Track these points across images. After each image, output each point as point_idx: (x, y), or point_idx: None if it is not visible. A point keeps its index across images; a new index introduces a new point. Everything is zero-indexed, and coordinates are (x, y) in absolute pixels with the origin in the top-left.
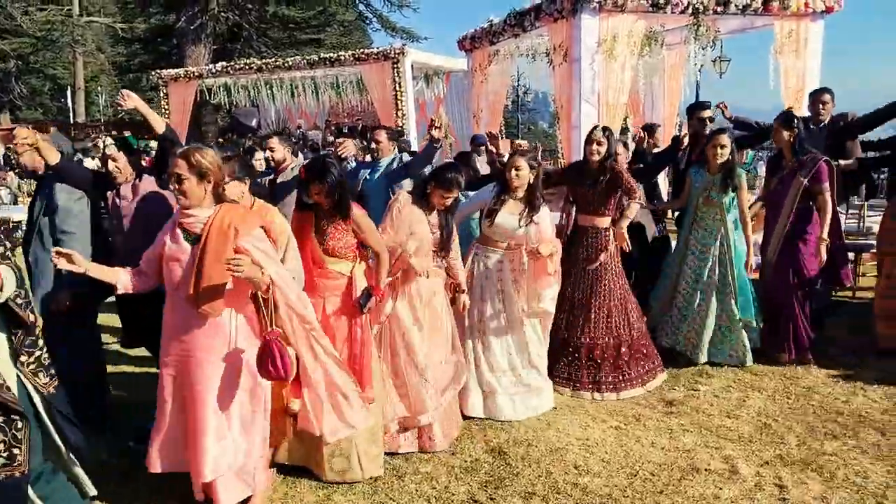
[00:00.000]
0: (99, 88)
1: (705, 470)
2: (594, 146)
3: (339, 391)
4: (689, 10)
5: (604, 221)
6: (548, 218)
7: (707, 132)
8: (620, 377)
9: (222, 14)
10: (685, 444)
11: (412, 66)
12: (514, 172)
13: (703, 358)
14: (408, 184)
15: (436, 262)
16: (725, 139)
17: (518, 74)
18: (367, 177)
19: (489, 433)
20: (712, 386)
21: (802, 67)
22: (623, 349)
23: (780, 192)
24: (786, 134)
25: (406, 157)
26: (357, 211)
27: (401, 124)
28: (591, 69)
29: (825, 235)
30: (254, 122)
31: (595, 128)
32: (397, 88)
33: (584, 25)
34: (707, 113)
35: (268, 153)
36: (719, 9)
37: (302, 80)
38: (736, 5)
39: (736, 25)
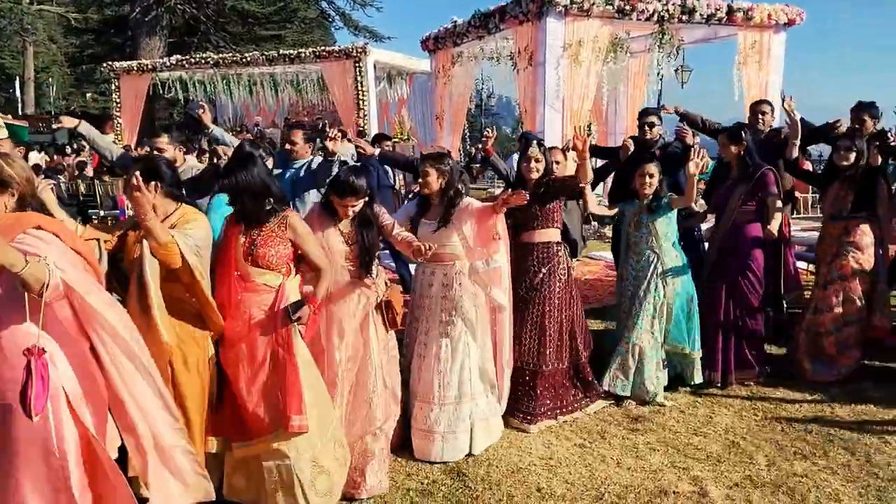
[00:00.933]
0: (50, 80)
1: (673, 492)
2: (532, 163)
3: (163, 442)
4: (655, 18)
5: (552, 234)
6: (469, 213)
7: (652, 140)
8: (560, 403)
9: (179, 6)
10: (652, 464)
11: (375, 65)
12: (421, 179)
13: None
14: None
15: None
16: (653, 168)
17: (482, 78)
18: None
19: None
20: (678, 401)
21: (765, 79)
22: (570, 373)
23: (722, 203)
24: (734, 148)
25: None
26: (294, 218)
27: (362, 124)
28: (556, 74)
29: (773, 228)
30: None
31: (531, 144)
32: (359, 88)
33: (549, 29)
34: (651, 119)
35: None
36: (684, 17)
37: (260, 77)
38: (701, 14)
39: (700, 35)
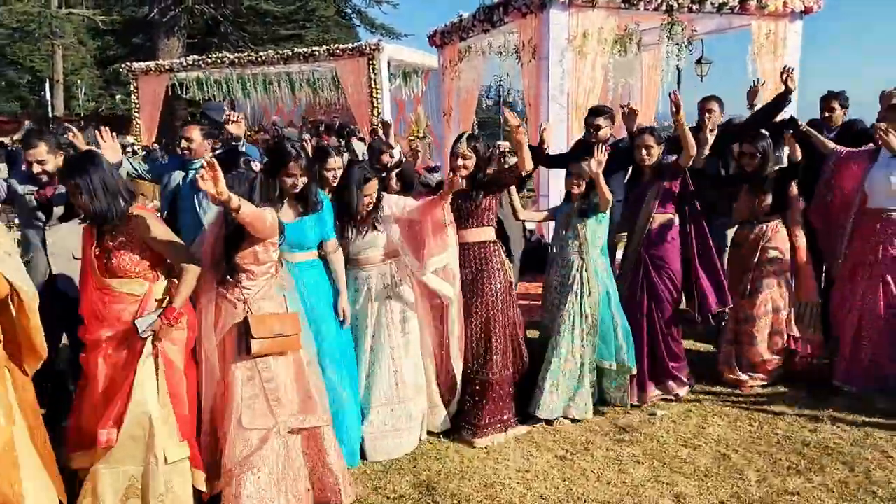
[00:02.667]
0: (79, 82)
1: None
2: (459, 161)
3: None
4: (663, 8)
5: (487, 233)
6: (402, 210)
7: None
8: (510, 414)
9: (197, 7)
10: (634, 479)
11: (389, 63)
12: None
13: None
14: None
15: None
16: (584, 169)
17: (499, 73)
18: (181, 181)
19: (420, 463)
20: (671, 410)
21: (781, 69)
22: (492, 385)
23: (639, 203)
24: (651, 140)
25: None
26: (143, 216)
27: (376, 123)
28: (560, 67)
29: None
30: (223, 117)
31: (459, 138)
32: (373, 86)
33: (553, 21)
34: (599, 121)
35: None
36: (694, 7)
37: (276, 76)
38: (712, 3)
39: (713, 26)
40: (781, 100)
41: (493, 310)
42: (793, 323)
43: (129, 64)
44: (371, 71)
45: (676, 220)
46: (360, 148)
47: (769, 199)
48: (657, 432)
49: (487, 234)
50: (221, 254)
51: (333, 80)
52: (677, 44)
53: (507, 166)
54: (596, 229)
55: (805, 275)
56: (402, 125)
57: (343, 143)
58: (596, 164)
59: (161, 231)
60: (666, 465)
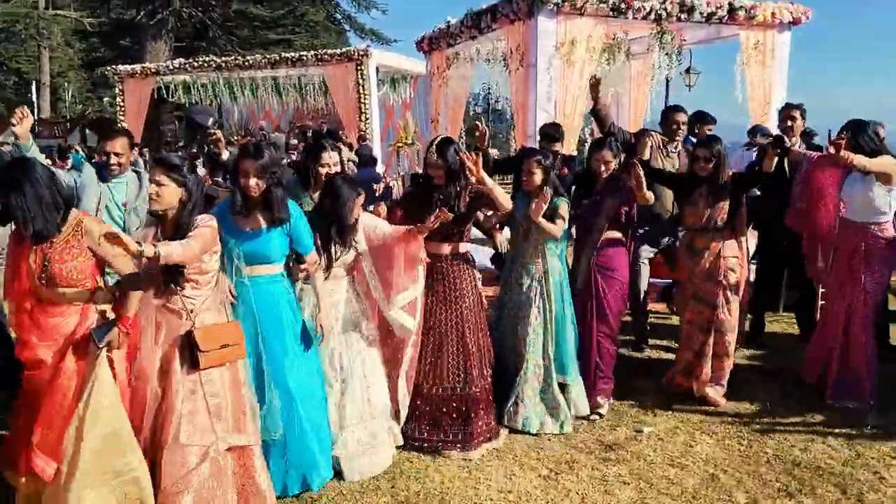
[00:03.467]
0: (66, 84)
1: None
2: (432, 171)
3: None
4: (652, 17)
5: (462, 246)
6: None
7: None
8: (471, 430)
9: (185, 10)
10: (620, 500)
11: (377, 68)
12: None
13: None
14: None
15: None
16: (534, 165)
17: (488, 82)
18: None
19: (398, 482)
20: (658, 427)
21: (769, 80)
22: (477, 399)
23: (591, 215)
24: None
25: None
26: (90, 221)
27: (364, 129)
28: (547, 74)
29: None
30: (209, 121)
31: (430, 146)
32: (361, 91)
33: (540, 28)
34: (556, 146)
35: None
36: (683, 16)
37: (264, 81)
38: (701, 13)
39: (703, 36)
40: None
41: (466, 322)
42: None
43: (114, 67)
44: (359, 76)
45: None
46: (346, 154)
47: (727, 206)
48: (644, 450)
49: (462, 247)
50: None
51: (321, 85)
52: (667, 53)
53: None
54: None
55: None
56: (390, 132)
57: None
58: (536, 209)
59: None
60: (653, 486)
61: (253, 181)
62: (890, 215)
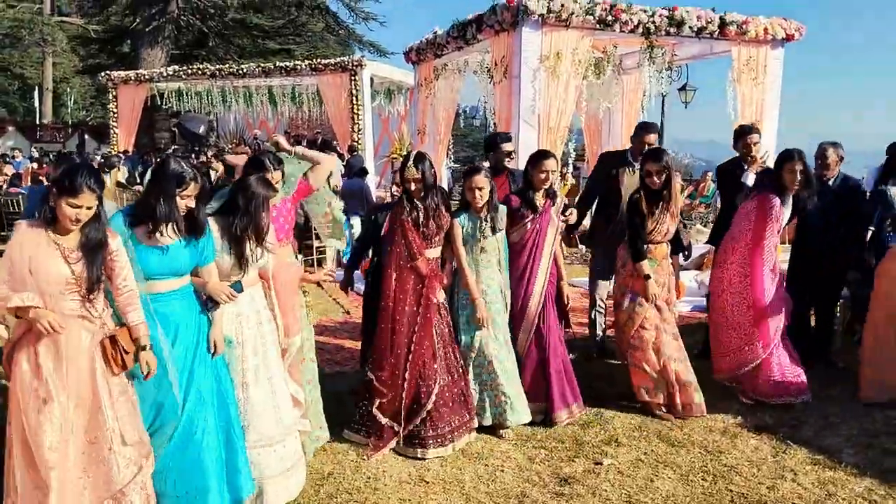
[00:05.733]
0: (69, 90)
1: None
2: (411, 185)
3: None
4: (640, 30)
5: (435, 253)
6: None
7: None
8: (436, 431)
9: (182, 18)
10: None
11: (372, 79)
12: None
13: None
14: None
15: (84, 310)
16: (481, 180)
17: (478, 93)
18: None
19: None
20: (619, 459)
21: (760, 97)
22: (443, 397)
23: (538, 234)
24: (551, 163)
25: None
26: None
27: (356, 139)
28: (531, 87)
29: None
30: (201, 129)
31: (406, 160)
32: (354, 101)
33: (525, 40)
34: (507, 147)
35: None
36: (672, 30)
37: (258, 90)
38: (690, 27)
39: (695, 51)
40: None
41: (437, 324)
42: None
43: (108, 73)
44: (353, 86)
45: None
46: (337, 165)
47: (677, 219)
48: (601, 485)
49: (436, 253)
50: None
51: (316, 94)
52: (658, 69)
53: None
54: (504, 243)
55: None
56: (385, 143)
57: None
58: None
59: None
60: None
61: (192, 202)
62: None
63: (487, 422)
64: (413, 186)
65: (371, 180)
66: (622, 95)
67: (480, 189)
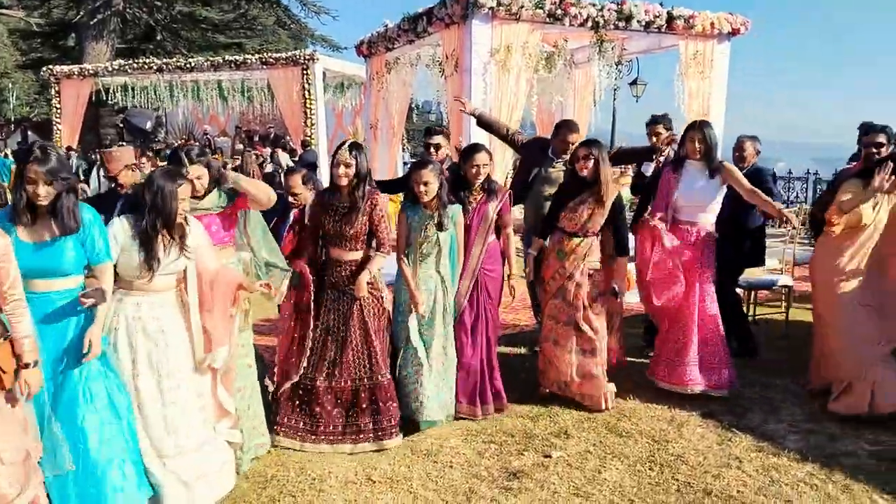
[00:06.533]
0: (10, 85)
1: None
2: (342, 168)
3: None
4: (589, 24)
5: (360, 254)
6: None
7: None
8: (357, 427)
9: (128, 11)
10: None
11: (325, 73)
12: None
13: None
14: None
15: None
16: (426, 174)
17: (430, 87)
18: None
19: None
20: (568, 451)
21: (707, 91)
22: (363, 395)
23: (466, 230)
24: (482, 157)
25: None
26: None
27: (309, 134)
28: (482, 80)
29: (514, 271)
30: (148, 125)
31: (341, 146)
32: (307, 96)
33: (475, 33)
34: (430, 140)
35: None
36: (621, 24)
37: (207, 84)
38: (639, 21)
39: (644, 46)
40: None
41: (368, 317)
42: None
43: (50, 67)
44: (305, 81)
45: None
46: (286, 160)
47: (606, 211)
48: (549, 478)
49: (361, 255)
50: None
51: (267, 89)
52: (608, 63)
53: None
54: (453, 238)
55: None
56: (340, 137)
57: (269, 153)
58: None
59: None
60: None
61: (42, 189)
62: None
63: (408, 413)
64: (342, 171)
65: (324, 175)
66: (573, 90)
67: (426, 184)
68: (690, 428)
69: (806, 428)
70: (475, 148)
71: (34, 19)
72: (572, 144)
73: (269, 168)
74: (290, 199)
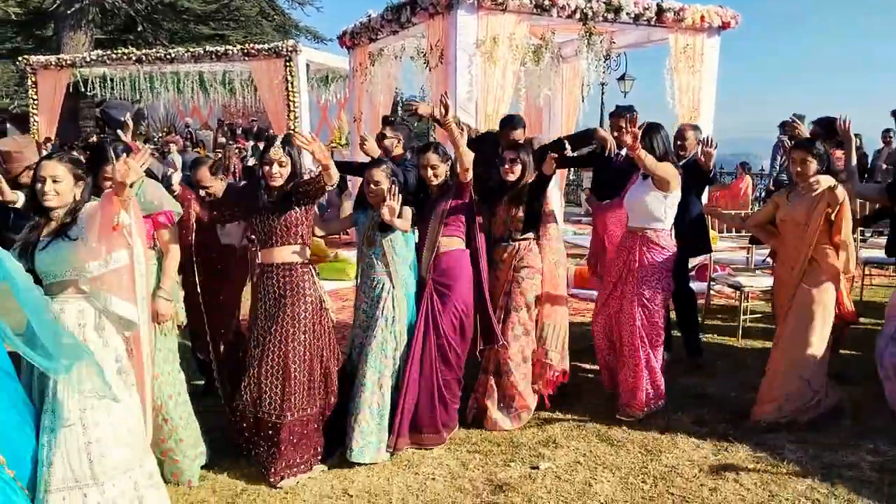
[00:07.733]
0: None
1: None
2: (275, 168)
3: None
4: (577, 16)
5: (295, 253)
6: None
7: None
8: (313, 452)
9: (107, 0)
10: None
11: (308, 66)
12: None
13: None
14: None
15: None
16: (377, 173)
17: (414, 79)
18: None
19: None
20: (557, 461)
21: (697, 85)
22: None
23: (423, 224)
24: (431, 157)
25: None
26: None
27: (293, 127)
28: (468, 72)
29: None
30: (126, 116)
31: (273, 142)
32: (290, 88)
33: (460, 23)
34: (385, 130)
35: None
36: (610, 16)
37: (188, 76)
38: (628, 13)
39: (633, 39)
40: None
41: (292, 342)
42: (545, 346)
43: (26, 57)
44: (287, 73)
45: (463, 244)
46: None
47: (522, 212)
48: (537, 491)
49: (295, 254)
50: None
51: (249, 81)
52: (597, 56)
53: (315, 175)
54: (403, 243)
55: (555, 294)
56: (325, 131)
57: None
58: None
59: None
60: None
61: None
62: (666, 223)
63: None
64: (276, 170)
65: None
66: (561, 84)
67: (376, 183)
68: (684, 437)
69: (803, 437)
70: (425, 147)
71: (11, 7)
72: (516, 137)
73: (251, 162)
74: (201, 192)
